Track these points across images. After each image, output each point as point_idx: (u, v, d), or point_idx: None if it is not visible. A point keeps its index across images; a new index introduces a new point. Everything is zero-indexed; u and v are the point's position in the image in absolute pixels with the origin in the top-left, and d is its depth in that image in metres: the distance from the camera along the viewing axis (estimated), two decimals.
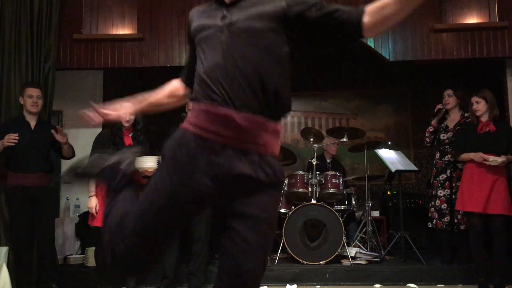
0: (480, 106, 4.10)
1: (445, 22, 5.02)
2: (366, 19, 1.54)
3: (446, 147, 4.67)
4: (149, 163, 3.74)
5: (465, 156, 4.11)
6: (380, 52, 4.99)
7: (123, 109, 1.87)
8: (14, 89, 4.69)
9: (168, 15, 5.03)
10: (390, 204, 5.90)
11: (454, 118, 4.75)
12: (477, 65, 5.87)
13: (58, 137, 4.12)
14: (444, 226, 4.57)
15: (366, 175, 5.12)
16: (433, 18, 4.96)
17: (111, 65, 5.03)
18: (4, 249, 3.91)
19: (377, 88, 7.04)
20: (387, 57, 4.99)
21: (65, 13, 4.98)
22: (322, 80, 7.12)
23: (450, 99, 4.74)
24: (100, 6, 5.10)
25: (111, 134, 3.96)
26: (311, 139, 5.12)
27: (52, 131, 4.13)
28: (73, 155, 4.29)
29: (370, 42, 4.99)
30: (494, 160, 3.93)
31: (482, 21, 4.95)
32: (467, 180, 4.09)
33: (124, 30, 5.10)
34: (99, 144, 3.94)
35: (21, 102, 4.25)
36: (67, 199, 5.32)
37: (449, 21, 5.04)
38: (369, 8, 1.54)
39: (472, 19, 5.01)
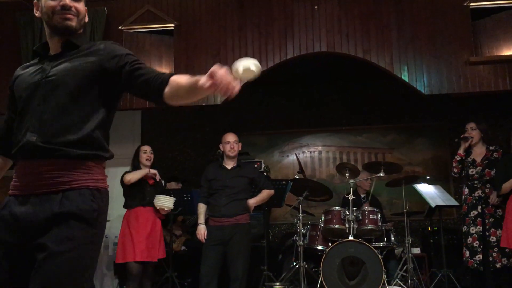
0: None
1: (480, 54, 4.97)
2: (166, 89, 1.61)
3: (475, 182, 4.56)
4: (167, 202, 4.40)
5: (506, 184, 3.99)
6: (415, 86, 4.96)
7: None
8: None
9: (203, 56, 5.18)
10: (431, 240, 5.72)
11: (480, 152, 4.66)
12: None
13: None
14: (475, 265, 4.39)
15: (405, 210, 5.00)
16: (468, 51, 4.92)
17: (149, 105, 5.19)
18: None
19: (413, 121, 6.97)
20: (422, 91, 4.96)
21: None
22: (356, 114, 7.11)
23: (473, 132, 4.67)
24: (139, 49, 5.31)
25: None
26: (347, 174, 5.07)
27: None
28: None
29: (405, 76, 4.98)
30: None
31: None
32: None
33: (161, 71, 5.28)
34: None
35: None
36: (106, 237, 5.40)
37: (485, 54, 4.99)
38: (172, 79, 1.61)
39: (509, 51, 4.94)
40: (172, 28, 5.26)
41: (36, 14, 1.75)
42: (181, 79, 1.58)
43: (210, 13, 5.27)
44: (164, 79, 1.61)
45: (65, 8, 1.66)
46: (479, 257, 4.39)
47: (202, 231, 4.17)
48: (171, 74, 1.62)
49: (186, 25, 5.26)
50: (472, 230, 4.49)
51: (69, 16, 1.67)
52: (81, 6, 1.70)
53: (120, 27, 5.24)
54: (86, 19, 1.76)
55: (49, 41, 1.74)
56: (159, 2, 5.30)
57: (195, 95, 1.56)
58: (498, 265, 4.32)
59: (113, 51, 1.68)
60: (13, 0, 5.34)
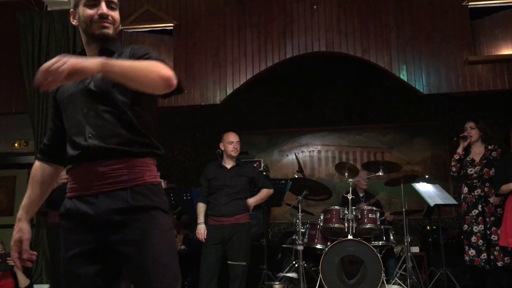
0: None
1: (479, 54, 4.98)
2: None
3: (475, 181, 4.58)
4: None
5: (504, 187, 4.01)
6: (414, 86, 4.97)
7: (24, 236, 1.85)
8: None
9: (203, 56, 5.19)
10: (430, 239, 5.73)
11: (478, 151, 4.67)
12: None
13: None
14: (482, 263, 4.41)
15: (403, 209, 5.02)
16: (467, 51, 4.93)
17: None
18: (46, 287, 4.00)
19: (412, 121, 6.98)
20: (421, 90, 4.97)
21: None
22: (355, 114, 7.12)
23: (472, 131, 4.68)
24: None
25: None
26: (346, 174, 5.09)
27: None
28: None
29: (403, 76, 4.99)
30: None
31: None
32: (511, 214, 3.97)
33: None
34: None
35: None
36: None
37: (484, 53, 5.00)
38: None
39: (507, 51, 4.95)
40: (172, 27, 5.26)
41: (73, 23, 1.81)
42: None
43: (210, 13, 5.27)
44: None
45: (103, 17, 1.72)
46: (484, 255, 4.41)
47: (202, 230, 4.18)
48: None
49: (185, 25, 5.27)
50: (475, 228, 4.50)
51: (106, 24, 1.73)
52: (116, 14, 1.77)
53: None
54: (120, 26, 1.83)
55: (87, 48, 1.80)
56: (159, 2, 5.31)
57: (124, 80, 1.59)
58: (499, 264, 4.34)
59: (135, 54, 1.74)
60: (13, 0, 5.34)
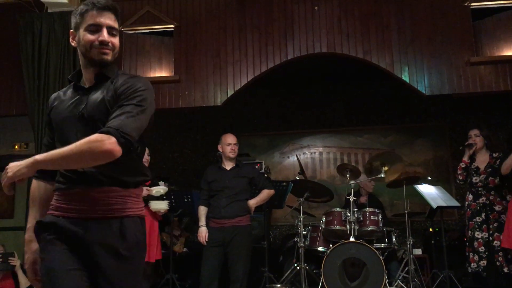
0: None
1: (481, 55, 4.96)
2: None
3: (480, 189, 4.54)
4: (162, 205, 4.45)
5: (506, 163, 4.06)
6: (416, 87, 4.94)
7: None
8: None
9: (203, 57, 5.17)
10: (432, 241, 5.70)
11: (483, 159, 4.64)
12: None
13: None
14: (480, 270, 4.38)
15: (406, 211, 4.99)
16: (469, 52, 4.91)
17: None
18: None
19: (414, 122, 6.95)
20: (423, 91, 4.94)
21: None
22: (357, 115, 7.09)
23: (477, 139, 4.65)
24: (139, 51, 5.30)
25: None
26: (348, 176, 5.06)
27: None
28: None
29: (405, 77, 4.96)
30: None
31: None
32: None
33: (161, 72, 5.27)
34: None
35: None
36: None
37: (486, 54, 4.97)
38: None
39: (509, 52, 4.92)
40: (172, 29, 5.25)
41: (72, 44, 1.82)
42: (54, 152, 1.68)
43: (210, 14, 5.25)
44: (105, 129, 1.64)
45: (103, 44, 1.74)
46: (483, 263, 4.38)
47: (203, 233, 4.16)
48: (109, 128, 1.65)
49: (186, 26, 5.25)
50: (478, 235, 4.47)
51: (106, 51, 1.75)
52: (116, 40, 1.80)
53: (119, 28, 5.22)
54: (117, 52, 1.85)
55: (84, 71, 1.82)
56: (159, 3, 5.29)
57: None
58: (505, 270, 4.30)
59: (122, 94, 1.72)
60: (13, 2, 5.33)
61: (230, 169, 4.29)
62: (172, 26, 5.24)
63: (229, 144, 4.29)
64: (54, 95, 1.90)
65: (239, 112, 7.05)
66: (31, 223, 1.83)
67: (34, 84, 5.03)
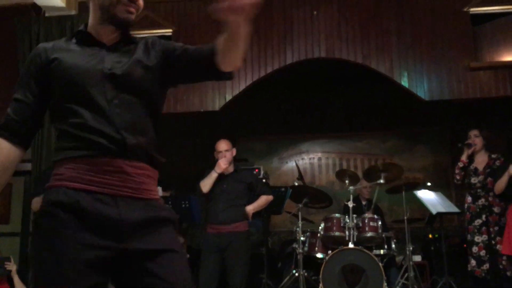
0: None
1: (481, 60, 4.94)
2: (217, 53, 1.56)
3: (478, 190, 4.51)
4: None
5: (499, 182, 3.99)
6: (415, 92, 4.92)
7: None
8: (54, 136, 4.83)
9: None
10: (432, 248, 5.66)
11: (482, 160, 4.61)
12: None
13: None
14: (483, 274, 4.34)
15: (405, 217, 4.95)
16: (469, 57, 4.89)
17: None
18: None
19: (414, 127, 6.93)
20: (423, 97, 4.92)
21: None
22: (356, 120, 7.07)
23: (477, 139, 4.62)
24: None
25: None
26: (347, 181, 5.02)
27: None
28: None
29: (405, 82, 4.94)
30: None
31: None
32: None
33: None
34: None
35: None
36: None
37: (486, 59, 4.96)
38: (216, 43, 1.56)
39: (509, 57, 4.91)
40: (170, 33, 5.22)
41: None
42: (220, 39, 1.53)
43: (209, 18, 5.22)
44: (211, 46, 1.57)
45: (132, 1, 1.56)
46: (486, 266, 4.34)
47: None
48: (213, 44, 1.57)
49: (184, 31, 5.23)
50: (477, 239, 4.43)
51: (132, 9, 1.57)
52: (142, 1, 1.61)
53: None
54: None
55: (99, 27, 1.57)
56: (157, 8, 5.27)
57: (236, 40, 1.47)
58: (508, 273, 4.27)
59: (164, 44, 1.64)
60: (11, 4, 5.31)
61: (228, 174, 4.26)
62: (171, 30, 5.22)
63: (219, 152, 4.24)
64: (45, 45, 1.58)
65: (238, 116, 7.02)
66: None
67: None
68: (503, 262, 4.27)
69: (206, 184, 4.16)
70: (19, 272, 4.63)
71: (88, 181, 1.41)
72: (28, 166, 5.23)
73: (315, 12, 5.10)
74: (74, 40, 1.58)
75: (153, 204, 1.49)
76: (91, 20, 1.60)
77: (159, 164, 1.55)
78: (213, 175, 4.15)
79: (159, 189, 4.54)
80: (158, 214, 1.47)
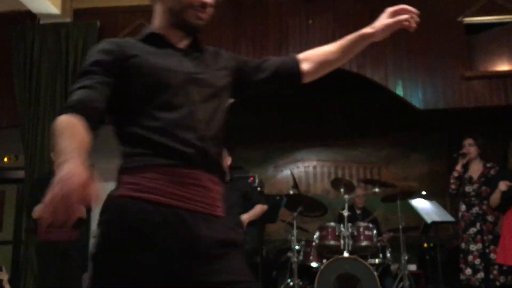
0: None
1: (475, 69, 4.97)
2: (304, 66, 1.64)
3: (473, 199, 4.51)
4: None
5: (492, 198, 3.98)
6: (410, 101, 4.94)
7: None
8: (48, 144, 4.80)
9: None
10: (427, 257, 5.65)
11: (476, 168, 4.61)
12: None
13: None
14: (477, 283, 4.32)
15: (400, 226, 4.93)
16: (463, 66, 4.92)
17: None
18: None
19: (409, 136, 6.93)
20: (417, 106, 4.93)
21: None
22: (352, 129, 7.07)
23: (471, 148, 4.62)
24: None
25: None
26: (342, 190, 5.01)
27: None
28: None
29: (399, 91, 4.95)
30: None
31: None
32: (509, 230, 3.90)
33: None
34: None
35: (53, 157, 4.32)
36: None
37: (480, 69, 4.98)
38: (305, 56, 1.66)
39: (504, 66, 4.94)
40: None
41: None
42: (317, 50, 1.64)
43: (204, 26, 5.23)
44: (293, 58, 1.64)
45: (204, 7, 1.48)
46: (481, 275, 4.32)
47: None
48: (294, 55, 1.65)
49: None
50: (472, 247, 4.42)
51: (203, 16, 1.48)
52: (212, 9, 1.53)
53: None
54: None
55: (168, 31, 1.49)
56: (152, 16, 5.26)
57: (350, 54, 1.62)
58: (497, 283, 4.26)
59: (235, 56, 1.64)
60: (5, 12, 5.29)
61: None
62: None
63: None
64: (118, 40, 1.45)
65: (233, 124, 6.99)
66: (69, 144, 1.16)
67: (25, 95, 4.97)
68: (494, 272, 4.26)
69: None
70: (10, 281, 4.57)
71: (169, 194, 1.27)
72: (21, 174, 5.19)
73: (310, 21, 5.12)
74: (144, 41, 1.48)
75: (224, 223, 1.38)
76: (157, 22, 1.51)
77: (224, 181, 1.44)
78: None
79: None
80: (233, 236, 1.37)
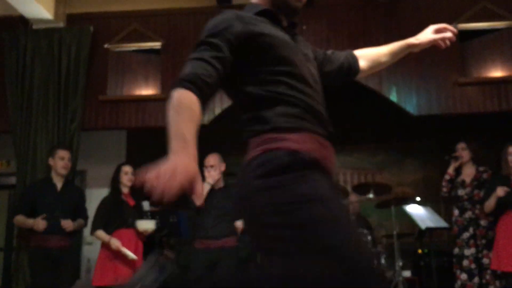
0: None
1: (469, 76, 4.98)
2: (361, 63, 1.75)
3: (465, 203, 4.51)
4: (149, 224, 4.20)
5: (487, 203, 3.98)
6: (404, 107, 4.94)
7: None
8: (40, 150, 4.75)
9: None
10: (422, 263, 5.63)
11: (469, 172, 4.62)
12: (506, 117, 5.75)
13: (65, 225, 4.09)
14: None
15: (395, 232, 4.92)
16: (457, 72, 4.93)
17: (135, 125, 5.09)
18: None
19: (403, 142, 6.94)
20: (411, 112, 4.94)
21: (91, 76, 5.12)
22: (346, 135, 7.06)
23: (464, 152, 4.63)
24: (125, 69, 5.23)
25: (113, 197, 4.18)
26: None
27: (63, 222, 4.06)
28: (85, 225, 4.33)
29: (393, 97, 4.95)
30: None
31: (507, 74, 4.89)
32: (503, 235, 3.90)
33: (148, 91, 5.20)
34: (103, 207, 4.14)
35: (51, 163, 4.24)
36: (89, 261, 5.24)
37: (473, 75, 5.00)
38: (361, 54, 1.77)
39: (497, 73, 4.95)
40: (159, 47, 5.20)
41: None
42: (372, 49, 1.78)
43: (198, 32, 5.19)
44: (352, 53, 1.75)
45: None
46: (476, 279, 4.32)
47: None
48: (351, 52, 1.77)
49: (173, 44, 5.21)
50: (467, 252, 4.42)
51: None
52: None
53: (106, 46, 5.16)
54: None
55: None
56: (146, 21, 5.25)
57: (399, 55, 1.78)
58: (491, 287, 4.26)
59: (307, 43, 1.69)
60: None
61: (218, 189, 4.21)
62: (159, 43, 5.19)
63: (205, 167, 4.19)
64: (241, 14, 1.48)
65: (227, 130, 6.97)
66: (190, 143, 1.21)
67: (18, 100, 4.92)
68: (487, 277, 4.26)
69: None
70: None
71: (324, 157, 1.41)
72: (12, 180, 5.13)
73: (304, 27, 5.11)
74: (258, 15, 1.51)
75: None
76: (259, 2, 1.57)
77: None
78: (206, 188, 4.10)
79: (146, 203, 4.49)
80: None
